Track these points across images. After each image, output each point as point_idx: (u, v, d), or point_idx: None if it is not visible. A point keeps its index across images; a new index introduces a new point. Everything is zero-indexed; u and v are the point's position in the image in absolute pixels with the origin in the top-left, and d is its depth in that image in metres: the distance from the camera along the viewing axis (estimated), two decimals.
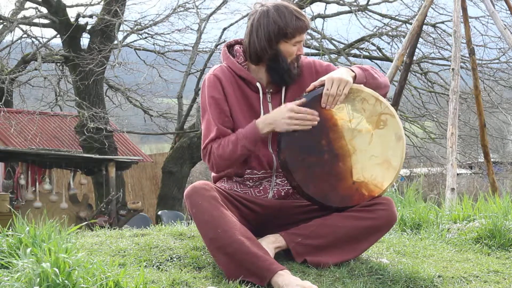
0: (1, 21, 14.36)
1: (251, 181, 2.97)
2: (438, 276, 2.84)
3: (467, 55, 8.18)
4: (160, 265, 2.76)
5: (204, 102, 2.96)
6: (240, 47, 3.01)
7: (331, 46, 14.43)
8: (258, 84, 2.96)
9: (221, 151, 2.87)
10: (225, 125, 2.91)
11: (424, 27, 11.40)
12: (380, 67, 14.49)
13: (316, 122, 2.79)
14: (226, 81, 2.95)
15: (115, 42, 13.91)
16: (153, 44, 15.15)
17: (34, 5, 15.06)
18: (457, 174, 7.15)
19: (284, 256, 2.86)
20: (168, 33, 15.26)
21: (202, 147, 2.95)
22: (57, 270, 2.20)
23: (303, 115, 2.78)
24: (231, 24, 14.89)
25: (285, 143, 2.81)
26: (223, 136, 2.89)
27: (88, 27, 14.16)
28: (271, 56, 2.91)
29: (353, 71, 2.90)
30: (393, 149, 2.89)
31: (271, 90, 2.99)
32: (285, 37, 2.89)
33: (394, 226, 3.92)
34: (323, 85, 2.85)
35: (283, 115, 2.79)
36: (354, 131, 2.85)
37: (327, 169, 2.83)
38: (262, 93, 2.96)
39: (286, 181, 2.96)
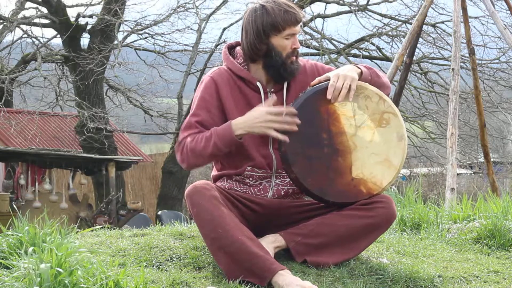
0: (1, 21, 14.36)
1: (251, 179, 2.97)
2: (438, 276, 2.84)
3: (467, 55, 8.18)
4: (160, 265, 2.76)
5: (194, 101, 2.97)
6: (240, 48, 3.01)
7: (331, 46, 14.45)
8: (258, 84, 2.95)
9: (193, 145, 2.84)
10: (206, 126, 2.89)
11: (424, 27, 11.40)
12: (380, 67, 14.48)
13: (296, 127, 2.77)
14: (223, 84, 2.95)
15: (115, 42, 13.91)
16: (153, 44, 15.17)
17: (34, 5, 15.06)
18: (457, 174, 7.15)
19: (284, 256, 2.86)
20: (168, 33, 15.29)
21: (177, 143, 2.93)
22: (57, 270, 2.20)
23: (281, 118, 2.76)
24: (231, 24, 14.89)
25: (286, 134, 2.82)
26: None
27: (88, 27, 14.16)
28: (264, 52, 2.91)
29: (358, 68, 2.91)
30: (394, 148, 2.89)
31: (272, 90, 2.98)
32: (274, 30, 2.88)
33: (394, 226, 3.94)
34: (328, 80, 2.85)
35: (260, 118, 2.77)
36: (356, 128, 2.86)
37: (326, 163, 2.84)
38: (263, 92, 2.96)
39: (285, 181, 2.97)
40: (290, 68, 2.92)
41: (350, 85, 2.82)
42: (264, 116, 2.77)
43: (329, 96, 2.82)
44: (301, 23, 2.97)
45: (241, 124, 2.80)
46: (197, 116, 2.91)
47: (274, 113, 2.77)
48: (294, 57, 2.94)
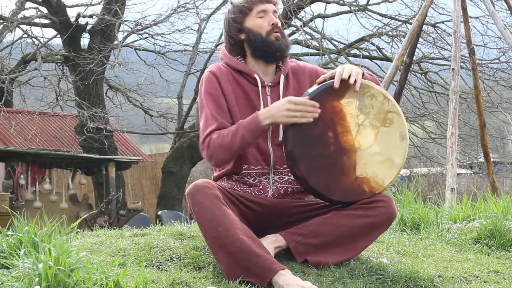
0: (2, 21, 14.36)
1: (249, 177, 2.97)
2: (438, 276, 2.84)
3: (467, 55, 8.18)
4: (160, 265, 2.76)
5: (202, 99, 2.98)
6: None
7: (331, 46, 14.43)
8: (256, 76, 2.97)
9: (220, 141, 2.85)
10: (224, 118, 2.91)
11: (424, 27, 11.40)
12: (380, 67, 14.48)
13: (316, 115, 2.77)
14: (222, 78, 2.97)
15: (115, 42, 13.91)
16: (153, 44, 15.16)
17: (34, 5, 15.05)
18: (457, 174, 7.15)
19: (285, 255, 2.86)
20: (169, 33, 15.30)
21: (201, 140, 2.93)
22: (57, 270, 2.20)
23: (303, 107, 2.77)
24: None
25: (292, 133, 2.82)
26: (222, 128, 2.89)
27: (88, 27, 14.16)
28: (246, 39, 2.96)
29: (361, 69, 2.92)
30: (396, 148, 2.91)
31: (270, 84, 3.00)
32: (242, 14, 2.96)
33: (394, 226, 3.94)
34: (333, 78, 2.85)
35: (282, 107, 2.78)
36: (360, 127, 2.87)
37: (331, 162, 2.84)
38: (261, 86, 2.97)
39: (284, 179, 2.97)
40: (275, 44, 2.95)
41: (356, 78, 2.82)
42: (286, 105, 2.77)
43: (336, 85, 2.80)
44: (274, 4, 3.00)
45: (266, 113, 2.81)
46: (210, 109, 2.92)
47: (296, 102, 2.78)
48: (278, 34, 2.96)
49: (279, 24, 2.98)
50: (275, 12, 2.99)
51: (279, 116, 2.78)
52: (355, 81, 2.81)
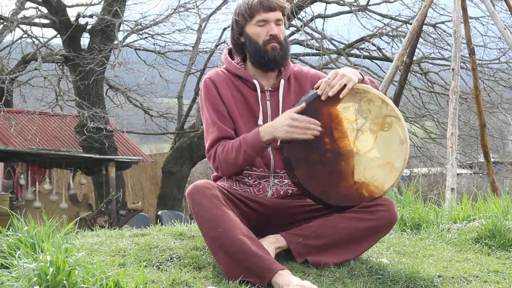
0: (2, 21, 14.36)
1: (249, 178, 2.97)
2: (438, 276, 2.84)
3: (467, 55, 8.17)
4: (160, 265, 2.76)
5: (202, 106, 3.00)
6: None
7: (331, 46, 14.43)
8: (255, 81, 2.97)
9: (225, 156, 2.88)
10: (226, 124, 2.93)
11: (424, 27, 11.40)
12: (380, 67, 14.48)
13: (317, 132, 2.78)
14: (220, 83, 2.98)
15: (115, 42, 13.91)
16: (153, 44, 15.17)
17: (34, 5, 15.06)
18: (457, 174, 7.14)
19: (285, 256, 2.86)
20: (169, 33, 15.30)
21: (206, 149, 2.97)
22: (56, 270, 2.20)
23: (303, 124, 2.78)
24: None
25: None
26: (225, 136, 2.91)
27: (88, 27, 14.16)
28: (245, 44, 2.97)
29: (361, 75, 2.91)
30: (396, 151, 2.89)
31: (270, 88, 3.00)
32: (244, 19, 2.97)
33: (394, 226, 3.93)
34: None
35: (284, 123, 2.79)
36: (358, 132, 2.85)
37: (329, 168, 2.84)
38: (261, 91, 2.97)
39: (284, 182, 2.97)
40: (269, 55, 2.95)
41: (345, 84, 2.81)
42: (288, 121, 2.78)
43: (319, 92, 2.81)
44: (281, 11, 2.98)
45: (267, 129, 2.83)
46: (212, 117, 2.94)
47: (298, 119, 2.78)
48: (276, 44, 2.95)
49: (279, 35, 2.96)
50: (278, 20, 2.97)
51: (280, 131, 2.79)
52: (344, 87, 2.79)
